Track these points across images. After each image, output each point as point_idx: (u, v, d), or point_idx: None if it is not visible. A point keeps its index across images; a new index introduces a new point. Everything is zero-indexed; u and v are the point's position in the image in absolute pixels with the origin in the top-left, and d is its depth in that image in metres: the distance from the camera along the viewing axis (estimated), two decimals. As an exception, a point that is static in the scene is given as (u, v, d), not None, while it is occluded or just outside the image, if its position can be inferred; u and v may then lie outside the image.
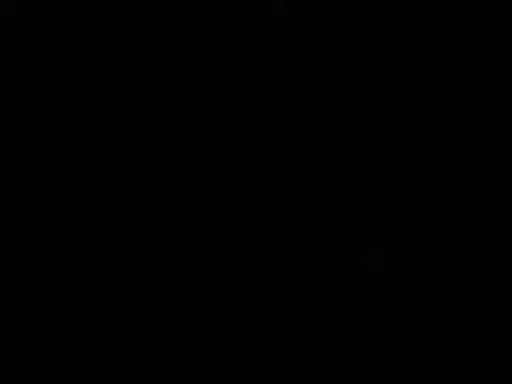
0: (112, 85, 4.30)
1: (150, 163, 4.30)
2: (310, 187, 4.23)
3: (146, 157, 4.30)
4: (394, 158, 4.38)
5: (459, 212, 4.09)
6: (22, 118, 4.20)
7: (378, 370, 3.52)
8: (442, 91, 4.47)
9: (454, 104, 4.45)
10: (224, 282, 3.74)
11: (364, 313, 3.64)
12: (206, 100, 4.39)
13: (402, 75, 4.46)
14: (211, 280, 3.75)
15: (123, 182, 4.20)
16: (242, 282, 3.71)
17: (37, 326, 3.56)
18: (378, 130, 4.44)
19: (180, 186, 4.23)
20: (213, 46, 4.36)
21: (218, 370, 3.45)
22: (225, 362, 3.48)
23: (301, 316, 3.62)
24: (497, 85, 4.40)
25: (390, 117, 4.45)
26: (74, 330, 3.54)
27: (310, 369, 3.49)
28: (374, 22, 4.40)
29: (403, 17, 4.40)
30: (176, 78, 4.35)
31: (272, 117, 4.40)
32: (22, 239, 3.93)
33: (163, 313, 3.62)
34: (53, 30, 4.21)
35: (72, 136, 4.24)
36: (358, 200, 4.16)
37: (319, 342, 3.54)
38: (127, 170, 4.26)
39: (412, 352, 3.57)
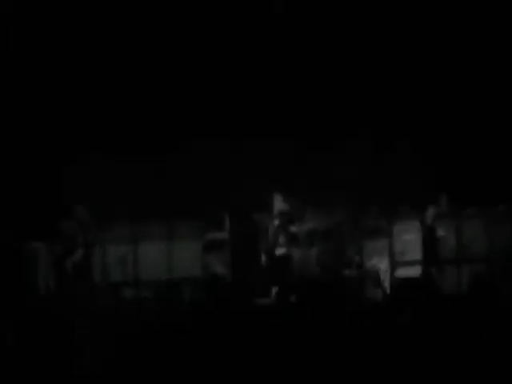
0: (111, 84, 4.30)
1: (150, 162, 4.30)
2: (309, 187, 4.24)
3: (145, 156, 4.30)
4: (393, 157, 4.39)
5: (458, 212, 4.10)
6: (21, 116, 4.19)
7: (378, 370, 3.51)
8: (442, 91, 4.47)
9: (453, 103, 4.45)
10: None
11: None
12: (206, 99, 4.38)
13: (401, 75, 4.46)
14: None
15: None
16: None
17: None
18: (377, 129, 4.44)
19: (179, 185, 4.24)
20: (213, 46, 4.35)
21: None
22: None
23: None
24: (497, 85, 4.39)
25: (388, 116, 4.45)
26: None
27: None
28: (374, 22, 4.41)
29: (403, 16, 4.41)
30: (176, 76, 4.34)
31: (271, 115, 4.39)
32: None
33: None
34: (52, 29, 4.21)
35: (71, 135, 4.24)
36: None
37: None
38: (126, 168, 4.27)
39: (411, 351, 3.55)
